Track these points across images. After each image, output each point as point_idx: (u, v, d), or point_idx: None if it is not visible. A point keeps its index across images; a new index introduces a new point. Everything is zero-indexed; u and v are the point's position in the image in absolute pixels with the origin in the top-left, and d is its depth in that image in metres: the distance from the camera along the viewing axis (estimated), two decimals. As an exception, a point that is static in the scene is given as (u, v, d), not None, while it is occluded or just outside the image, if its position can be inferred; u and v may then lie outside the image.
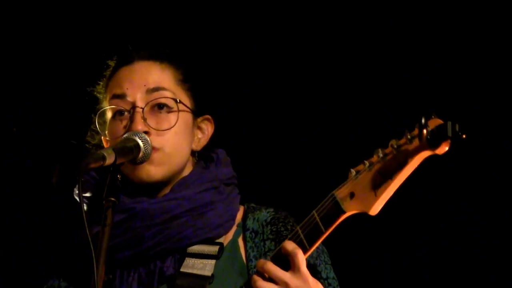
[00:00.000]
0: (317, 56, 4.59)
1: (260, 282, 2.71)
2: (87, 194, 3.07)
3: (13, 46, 4.89)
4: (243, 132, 4.53)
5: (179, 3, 4.77)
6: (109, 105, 3.10)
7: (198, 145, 3.15)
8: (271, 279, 2.70)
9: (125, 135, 2.94)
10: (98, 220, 2.75)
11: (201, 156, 3.17)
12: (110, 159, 2.72)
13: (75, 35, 4.89)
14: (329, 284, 2.95)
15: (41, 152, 4.88)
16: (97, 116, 3.14)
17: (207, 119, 3.18)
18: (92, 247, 2.60)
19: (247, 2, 4.68)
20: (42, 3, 4.90)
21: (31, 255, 4.87)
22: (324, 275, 2.96)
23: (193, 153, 3.15)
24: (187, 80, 3.15)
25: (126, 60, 3.15)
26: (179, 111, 3.07)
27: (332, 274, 2.98)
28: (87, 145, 3.21)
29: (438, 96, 4.23)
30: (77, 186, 2.92)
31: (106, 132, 3.12)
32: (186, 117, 3.10)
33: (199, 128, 3.16)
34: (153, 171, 3.00)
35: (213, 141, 3.21)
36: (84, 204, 3.02)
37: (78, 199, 2.98)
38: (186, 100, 3.11)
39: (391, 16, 4.43)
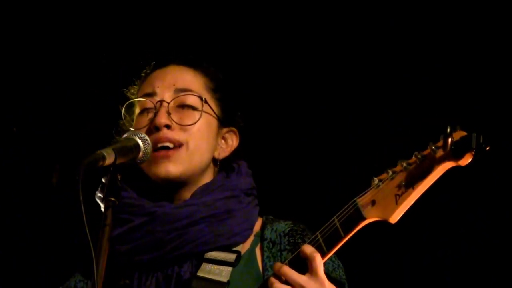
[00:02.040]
0: (342, 67, 4.63)
1: (276, 284, 2.73)
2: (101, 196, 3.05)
3: (13, 47, 4.90)
4: (265, 141, 4.56)
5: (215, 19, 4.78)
6: (138, 102, 3.16)
7: (220, 154, 3.19)
8: (287, 282, 2.73)
9: (125, 135, 2.93)
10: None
11: (223, 167, 3.20)
12: (110, 159, 2.70)
13: (75, 36, 4.90)
14: None
15: (41, 152, 4.87)
16: (124, 108, 3.20)
17: (233, 131, 3.23)
18: (92, 247, 2.59)
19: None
20: (42, 3, 4.89)
21: (31, 255, 4.85)
22: None
23: (214, 161, 3.18)
24: (217, 90, 3.21)
25: (161, 63, 3.24)
26: (203, 111, 3.12)
27: None
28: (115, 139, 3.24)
29: (463, 109, 4.28)
30: (99, 188, 3.02)
31: (132, 128, 3.16)
32: (210, 120, 3.15)
33: (224, 138, 3.21)
34: (172, 168, 3.05)
35: (235, 151, 3.25)
36: (102, 205, 2.99)
37: (99, 201, 3.02)
38: (213, 105, 3.17)
39: (424, 30, 4.48)
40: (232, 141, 3.21)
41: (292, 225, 3.09)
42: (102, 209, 3.02)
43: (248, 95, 4.29)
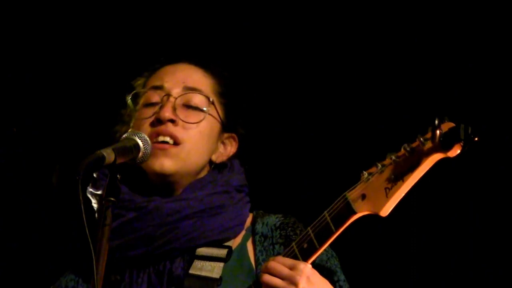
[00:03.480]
0: (332, 60, 4.61)
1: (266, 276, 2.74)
2: (99, 192, 3.01)
3: (13, 47, 4.89)
4: (256, 135, 4.54)
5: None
6: (145, 94, 3.16)
7: (218, 158, 3.19)
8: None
9: (124, 135, 2.92)
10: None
11: (216, 164, 3.20)
12: (109, 159, 2.70)
13: (75, 36, 4.89)
14: (341, 287, 2.99)
15: (41, 152, 4.86)
16: (130, 98, 3.19)
17: (233, 138, 3.22)
18: (92, 247, 2.60)
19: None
20: (42, 3, 4.88)
21: (31, 255, 4.86)
22: (335, 278, 2.98)
23: (211, 163, 3.18)
24: (225, 95, 3.21)
25: (173, 59, 3.24)
26: (208, 113, 3.12)
27: (343, 277, 3.01)
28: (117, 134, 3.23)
29: (452, 101, 4.25)
30: (90, 184, 2.97)
31: (132, 121, 3.17)
32: (213, 123, 3.15)
33: (223, 143, 3.21)
34: (167, 163, 3.04)
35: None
36: (96, 203, 3.00)
37: (90, 197, 3.00)
38: (218, 109, 3.17)
39: (408, 23, 4.46)
40: (231, 147, 3.22)
41: (282, 218, 3.09)
42: (94, 205, 3.00)
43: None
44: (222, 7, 4.77)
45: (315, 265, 2.85)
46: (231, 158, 3.22)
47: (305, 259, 2.76)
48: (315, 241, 2.72)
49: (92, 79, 4.79)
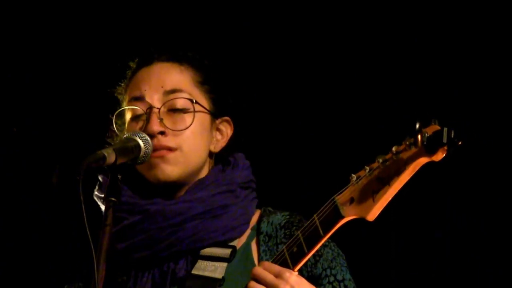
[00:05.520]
0: (326, 62, 4.63)
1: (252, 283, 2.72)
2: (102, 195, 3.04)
3: (13, 47, 4.91)
4: (247, 136, 4.56)
5: (202, 8, 4.78)
6: (128, 108, 3.11)
7: (216, 147, 3.14)
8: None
9: (125, 135, 2.93)
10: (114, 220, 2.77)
11: (219, 159, 3.16)
12: (110, 159, 2.71)
13: (76, 37, 4.91)
14: (346, 286, 2.96)
15: (41, 152, 4.89)
16: (114, 117, 3.13)
17: (226, 121, 3.17)
18: (92, 247, 2.61)
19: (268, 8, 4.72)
20: (43, 3, 4.92)
21: (31, 256, 4.90)
22: (340, 277, 2.96)
23: (211, 154, 3.14)
24: (206, 82, 3.14)
25: (146, 61, 3.16)
26: (195, 111, 3.06)
27: (348, 276, 2.98)
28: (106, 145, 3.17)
29: (447, 102, 4.26)
30: (97, 186, 3.02)
31: (125, 134, 3.10)
32: (203, 118, 3.10)
33: (218, 129, 3.15)
34: (169, 170, 3.02)
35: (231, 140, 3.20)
36: (102, 204, 3.02)
37: (97, 200, 3.02)
38: (203, 101, 3.10)
39: (397, 23, 4.47)
40: (227, 131, 3.16)
41: (288, 217, 3.04)
42: (102, 207, 2.98)
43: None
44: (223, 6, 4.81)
45: (319, 266, 2.91)
46: (233, 150, 3.17)
47: (294, 264, 2.72)
48: (304, 245, 2.68)
49: (92, 79, 4.80)
